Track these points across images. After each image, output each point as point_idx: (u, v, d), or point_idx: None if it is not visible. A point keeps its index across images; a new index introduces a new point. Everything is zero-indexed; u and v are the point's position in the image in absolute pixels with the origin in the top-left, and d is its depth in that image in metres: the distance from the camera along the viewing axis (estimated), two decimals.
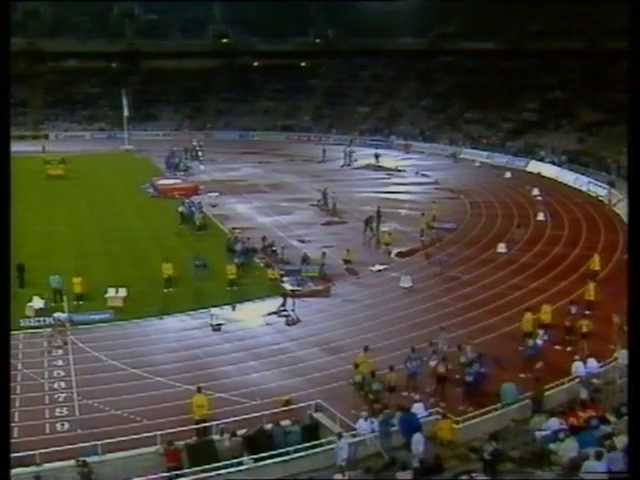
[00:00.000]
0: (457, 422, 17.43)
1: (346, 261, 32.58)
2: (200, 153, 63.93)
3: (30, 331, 24.90)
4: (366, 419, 17.24)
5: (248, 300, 28.21)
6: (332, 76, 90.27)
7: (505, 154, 63.72)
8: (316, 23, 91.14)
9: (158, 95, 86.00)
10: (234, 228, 37.19)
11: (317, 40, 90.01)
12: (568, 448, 14.56)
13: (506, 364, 21.06)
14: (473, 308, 26.89)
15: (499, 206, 45.33)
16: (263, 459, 16.05)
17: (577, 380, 19.30)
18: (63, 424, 19.01)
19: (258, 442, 16.80)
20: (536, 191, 48.23)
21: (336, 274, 31.37)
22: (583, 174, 52.01)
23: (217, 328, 25.53)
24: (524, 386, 19.02)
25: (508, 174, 56.61)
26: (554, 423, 16.10)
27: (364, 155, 64.18)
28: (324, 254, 32.05)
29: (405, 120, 78.95)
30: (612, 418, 15.98)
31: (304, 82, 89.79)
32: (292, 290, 28.34)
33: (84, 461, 15.62)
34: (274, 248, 33.64)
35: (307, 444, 16.64)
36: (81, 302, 27.58)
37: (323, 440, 16.87)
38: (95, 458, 16.05)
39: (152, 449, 16.52)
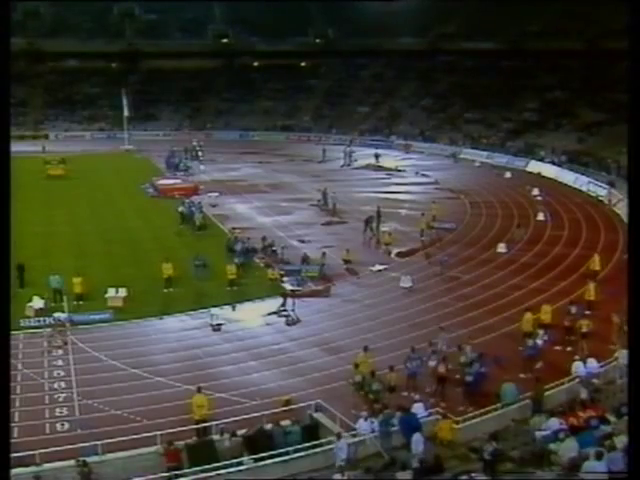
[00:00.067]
0: (457, 422, 17.42)
1: (346, 261, 32.59)
2: (200, 153, 63.94)
3: (30, 331, 24.90)
4: (366, 419, 17.24)
5: (248, 300, 28.21)
6: (332, 76, 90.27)
7: (505, 154, 63.73)
8: (316, 23, 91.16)
9: (158, 95, 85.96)
10: (234, 228, 37.19)
11: (317, 40, 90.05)
12: (568, 448, 14.55)
13: (506, 364, 21.05)
14: (473, 308, 26.90)
15: (499, 206, 45.34)
16: (263, 459, 16.04)
17: (577, 380, 19.30)
18: (63, 424, 19.02)
19: (258, 442, 16.80)
20: (536, 191, 48.24)
21: (336, 274, 31.37)
22: (583, 174, 52.01)
23: (217, 328, 25.53)
24: (524, 386, 19.01)
25: (508, 174, 56.61)
26: (554, 423, 16.09)
27: (364, 155, 64.19)
28: (324, 254, 32.06)
29: (405, 120, 78.95)
30: (612, 418, 15.98)
31: (304, 82, 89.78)
32: (292, 290, 28.34)
33: (84, 461, 15.62)
34: (274, 248, 33.64)
35: (307, 444, 16.63)
36: (81, 302, 27.59)
37: (323, 440, 16.86)
38: (95, 458, 16.05)
39: (152, 449, 16.52)
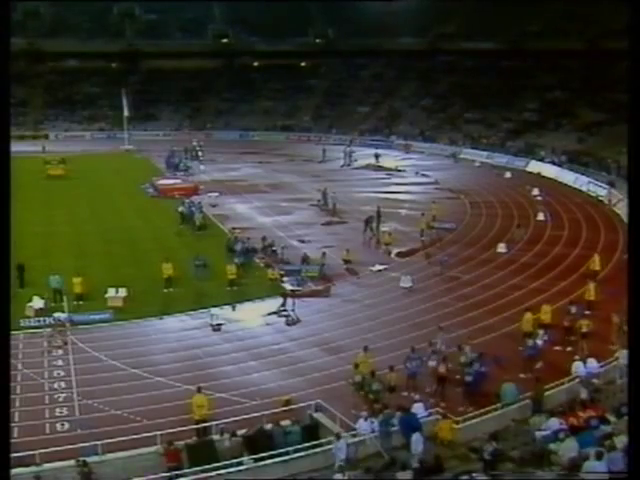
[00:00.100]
0: (457, 422, 17.42)
1: (346, 261, 32.59)
2: (200, 153, 63.95)
3: (30, 331, 24.90)
4: (366, 419, 17.24)
5: (248, 300, 28.21)
6: (332, 76, 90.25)
7: (505, 154, 63.72)
8: (316, 23, 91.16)
9: (158, 95, 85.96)
10: (234, 228, 37.18)
11: (317, 40, 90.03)
12: (568, 448, 14.56)
13: (506, 364, 21.05)
14: (473, 308, 26.90)
15: (499, 206, 45.34)
16: (263, 459, 16.05)
17: (577, 380, 19.30)
18: (63, 424, 19.02)
19: (258, 442, 16.80)
20: (536, 191, 48.24)
21: (336, 274, 31.37)
22: (583, 174, 52.01)
23: (217, 328, 25.53)
24: (524, 386, 19.01)
25: (508, 174, 56.61)
26: (554, 423, 16.10)
27: (364, 155, 64.18)
28: (324, 254, 32.06)
29: (405, 120, 78.96)
30: (612, 418, 15.98)
31: (304, 82, 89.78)
32: (292, 290, 28.33)
33: (84, 461, 15.62)
34: (274, 248, 33.64)
35: (307, 444, 16.64)
36: (81, 302, 27.58)
37: (323, 440, 16.86)
38: (95, 458, 16.06)
39: (152, 449, 16.52)
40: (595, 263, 30.14)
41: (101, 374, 21.79)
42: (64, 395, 20.57)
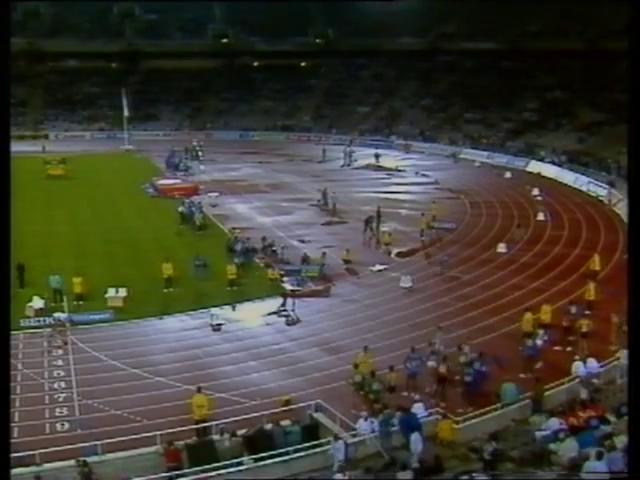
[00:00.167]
0: (457, 422, 17.43)
1: (346, 261, 32.58)
2: (200, 153, 63.95)
3: (30, 331, 24.90)
4: (366, 419, 17.24)
5: (248, 300, 28.20)
6: (332, 76, 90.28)
7: (505, 154, 63.72)
8: (316, 23, 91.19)
9: (158, 95, 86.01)
10: (234, 228, 37.18)
11: (317, 40, 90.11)
12: (568, 448, 14.57)
13: (506, 364, 21.03)
14: (473, 308, 26.89)
15: (499, 206, 45.34)
16: (263, 459, 16.05)
17: (577, 380, 19.30)
18: (63, 424, 19.01)
19: (258, 442, 16.80)
20: (536, 191, 48.24)
21: (336, 274, 31.36)
22: (583, 174, 52.00)
23: (217, 328, 25.53)
24: (524, 386, 19.01)
25: (508, 174, 56.61)
26: (554, 423, 16.10)
27: (364, 155, 64.18)
28: (324, 254, 32.05)
29: (405, 120, 78.96)
30: (612, 418, 15.99)
31: (304, 82, 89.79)
32: (292, 290, 28.33)
33: (84, 461, 15.62)
34: (274, 248, 33.64)
35: (307, 444, 16.64)
36: (81, 302, 27.58)
37: (323, 440, 16.86)
38: (95, 458, 16.06)
39: (152, 449, 16.52)
40: (595, 263, 30.14)
41: (101, 374, 21.79)
42: (64, 395, 20.57)
